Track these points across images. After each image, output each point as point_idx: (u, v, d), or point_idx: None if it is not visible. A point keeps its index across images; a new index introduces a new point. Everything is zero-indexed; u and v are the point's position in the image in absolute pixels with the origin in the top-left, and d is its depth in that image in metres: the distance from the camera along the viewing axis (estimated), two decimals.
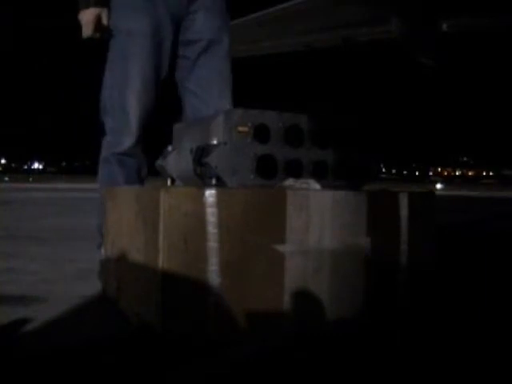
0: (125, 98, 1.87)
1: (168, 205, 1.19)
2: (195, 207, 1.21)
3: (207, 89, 1.96)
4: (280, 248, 1.28)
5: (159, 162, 1.79)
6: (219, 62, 1.97)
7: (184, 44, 1.97)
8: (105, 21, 1.87)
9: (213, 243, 1.21)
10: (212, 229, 1.22)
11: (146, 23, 1.88)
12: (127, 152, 1.87)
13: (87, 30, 1.86)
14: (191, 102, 1.98)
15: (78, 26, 1.93)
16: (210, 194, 1.22)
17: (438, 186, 24.96)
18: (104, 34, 1.90)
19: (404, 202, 1.46)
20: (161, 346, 1.19)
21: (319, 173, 1.52)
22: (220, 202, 1.22)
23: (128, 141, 1.87)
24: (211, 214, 1.21)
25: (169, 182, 1.77)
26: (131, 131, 1.87)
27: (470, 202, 10.12)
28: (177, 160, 1.68)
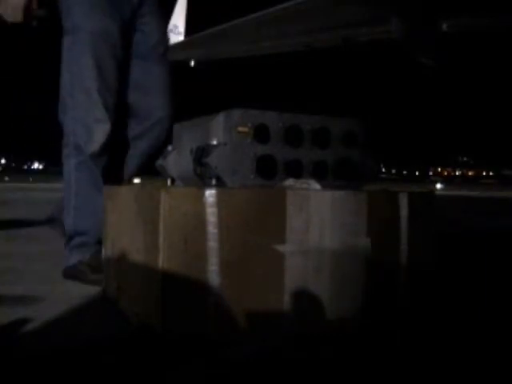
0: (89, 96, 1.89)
1: (168, 205, 1.19)
2: (195, 207, 1.21)
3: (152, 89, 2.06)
4: (280, 248, 1.28)
5: (159, 161, 1.79)
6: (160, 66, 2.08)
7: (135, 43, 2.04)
8: (35, 5, 1.85)
9: (213, 243, 1.21)
10: (212, 229, 1.21)
11: (109, 23, 1.90)
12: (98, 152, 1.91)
13: (16, 15, 1.82)
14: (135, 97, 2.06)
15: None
16: (210, 193, 1.22)
17: (438, 186, 24.91)
18: (33, 19, 1.87)
19: (404, 202, 1.46)
20: (161, 346, 1.19)
21: (319, 173, 1.52)
22: (220, 201, 1.22)
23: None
24: (211, 214, 1.21)
25: (169, 182, 1.77)
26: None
27: (470, 202, 10.12)
28: (177, 160, 1.68)
